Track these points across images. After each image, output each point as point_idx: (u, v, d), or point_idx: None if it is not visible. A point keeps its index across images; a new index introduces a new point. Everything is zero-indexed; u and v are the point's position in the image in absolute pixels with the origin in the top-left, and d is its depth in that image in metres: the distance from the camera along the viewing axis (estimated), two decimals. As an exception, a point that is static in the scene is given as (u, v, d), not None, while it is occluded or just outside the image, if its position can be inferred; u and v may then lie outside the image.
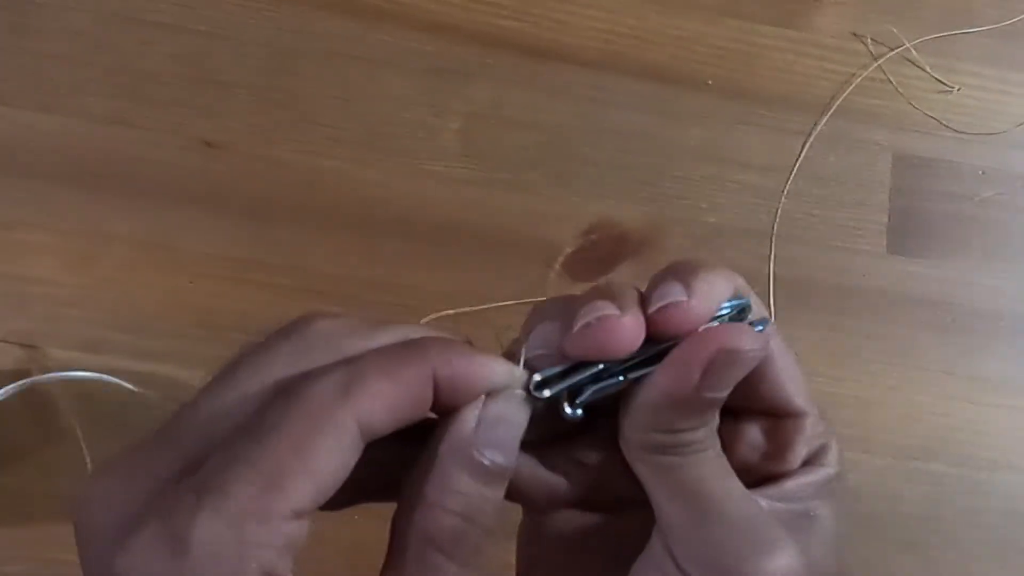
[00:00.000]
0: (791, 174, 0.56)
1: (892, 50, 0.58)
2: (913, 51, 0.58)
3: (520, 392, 0.27)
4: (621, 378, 0.26)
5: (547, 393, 0.26)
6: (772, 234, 0.55)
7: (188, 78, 0.54)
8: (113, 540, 0.23)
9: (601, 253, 0.54)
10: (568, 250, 0.54)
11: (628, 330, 0.25)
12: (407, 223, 0.53)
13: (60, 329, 0.50)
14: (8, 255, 0.51)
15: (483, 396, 0.27)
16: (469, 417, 0.26)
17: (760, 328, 0.27)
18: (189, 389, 0.49)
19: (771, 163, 0.56)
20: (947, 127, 0.58)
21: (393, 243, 0.53)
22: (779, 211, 0.55)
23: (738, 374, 0.26)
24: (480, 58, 0.56)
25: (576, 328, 0.26)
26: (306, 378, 0.25)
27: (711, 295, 0.26)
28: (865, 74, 0.58)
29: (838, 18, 0.59)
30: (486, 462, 0.26)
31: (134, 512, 0.23)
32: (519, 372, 0.27)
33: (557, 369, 0.26)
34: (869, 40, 0.58)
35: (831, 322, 0.54)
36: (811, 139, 0.57)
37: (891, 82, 0.58)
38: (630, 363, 0.26)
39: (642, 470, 0.27)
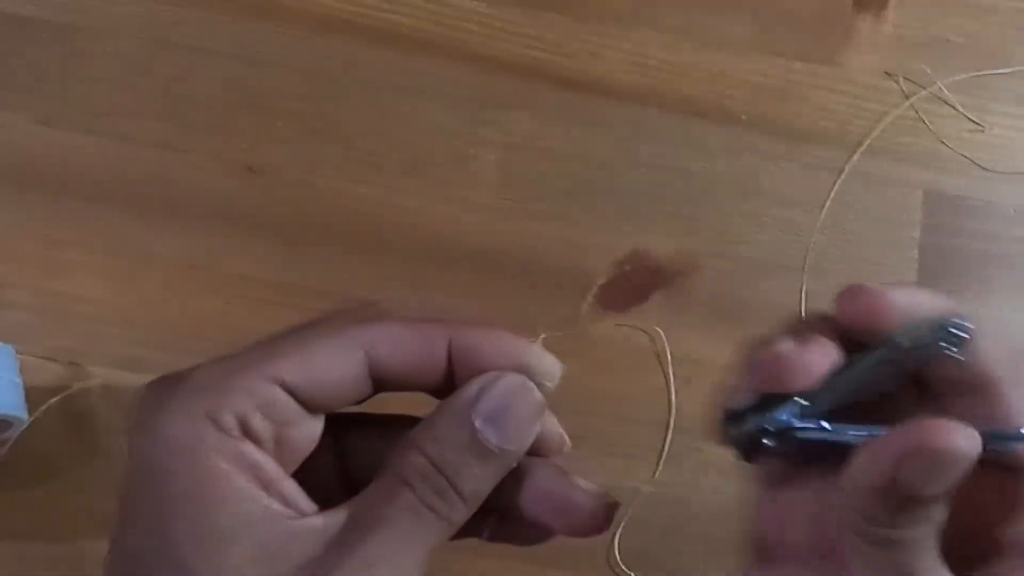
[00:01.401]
0: (823, 210, 0.56)
1: (924, 89, 0.59)
2: (944, 90, 0.59)
3: (532, 383, 0.27)
4: (825, 424, 0.25)
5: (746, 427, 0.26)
6: (804, 269, 0.55)
7: (231, 104, 0.55)
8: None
9: (634, 284, 0.54)
10: (601, 280, 0.54)
11: (799, 354, 0.25)
12: (443, 251, 0.54)
13: (101, 347, 0.51)
14: (53, 273, 0.52)
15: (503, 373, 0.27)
16: (477, 382, 0.27)
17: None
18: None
19: (803, 199, 0.57)
20: (978, 165, 0.58)
21: (428, 270, 0.53)
22: (810, 246, 0.56)
23: (950, 476, 0.23)
24: (519, 90, 0.57)
25: (757, 357, 0.26)
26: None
27: (910, 294, 0.26)
28: (897, 112, 0.58)
29: (871, 56, 0.59)
30: (480, 432, 0.26)
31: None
32: (548, 361, 0.28)
33: (749, 403, 0.26)
34: (901, 79, 0.59)
35: (861, 357, 0.54)
36: (843, 176, 0.57)
37: (923, 120, 0.58)
38: (833, 409, 0.25)
39: (848, 544, 0.25)
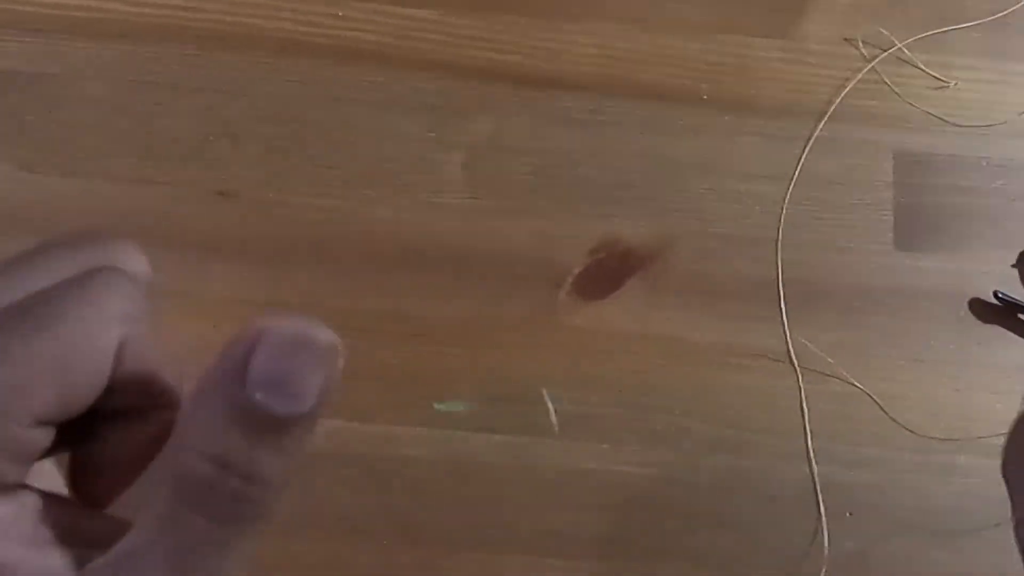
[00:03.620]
0: (792, 180, 0.57)
1: (885, 51, 0.59)
2: (906, 50, 0.59)
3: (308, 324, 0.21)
4: None
5: None
6: (778, 240, 0.55)
7: (200, 133, 0.57)
8: None
9: (609, 271, 0.55)
10: (576, 270, 0.55)
11: None
12: (417, 255, 0.55)
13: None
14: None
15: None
16: (239, 344, 0.21)
17: None
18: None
19: (772, 171, 0.57)
20: (947, 122, 0.58)
21: (405, 275, 0.54)
22: (782, 217, 0.56)
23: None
24: (478, 92, 0.58)
25: None
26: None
27: None
28: (859, 76, 0.59)
29: (827, 24, 0.60)
30: (262, 405, 0.21)
31: None
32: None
33: None
34: (860, 43, 0.59)
35: (845, 322, 0.54)
36: (810, 144, 0.57)
37: (886, 82, 0.58)
38: None
39: None
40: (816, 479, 0.51)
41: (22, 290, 0.23)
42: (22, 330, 0.22)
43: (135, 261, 0.25)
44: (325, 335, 0.22)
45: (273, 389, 0.21)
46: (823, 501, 0.51)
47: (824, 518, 0.51)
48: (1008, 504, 0.36)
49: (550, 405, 0.52)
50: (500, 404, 0.52)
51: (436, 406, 0.52)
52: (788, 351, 0.54)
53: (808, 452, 0.52)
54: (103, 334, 0.23)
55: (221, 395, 0.21)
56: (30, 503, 0.22)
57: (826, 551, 0.50)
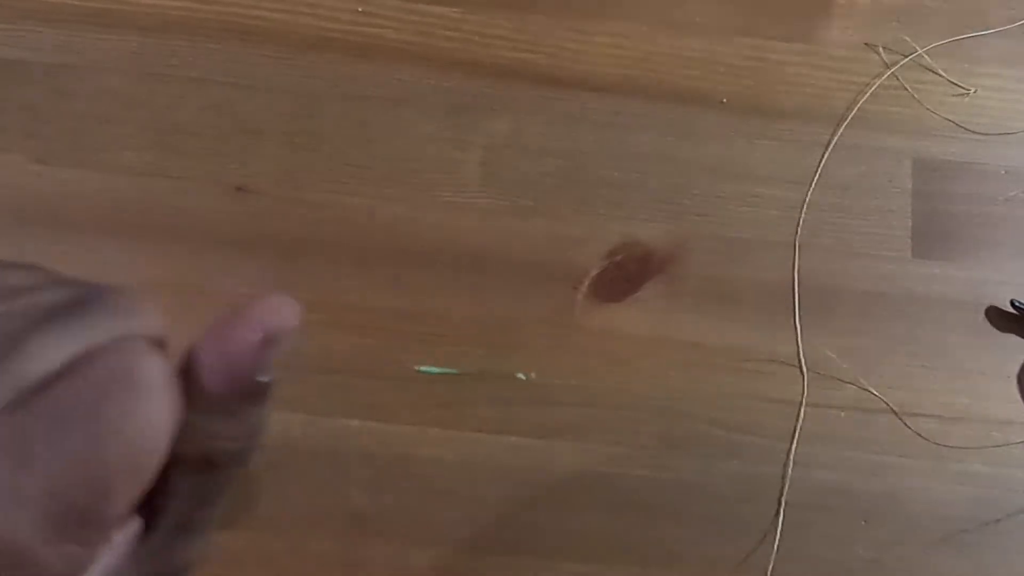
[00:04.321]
0: (811, 185, 0.56)
1: (905, 57, 0.59)
2: (926, 57, 0.59)
3: None
4: None
5: None
6: (795, 245, 0.55)
7: (218, 128, 0.56)
8: None
9: (627, 273, 0.55)
10: (594, 272, 0.55)
11: None
12: (435, 254, 0.54)
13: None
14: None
15: None
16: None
17: None
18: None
19: (792, 176, 0.57)
20: (966, 129, 0.58)
21: (422, 274, 0.54)
22: (800, 222, 0.56)
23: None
24: (497, 90, 0.58)
25: None
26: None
27: None
28: (880, 82, 0.58)
29: (849, 30, 0.59)
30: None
31: None
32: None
33: None
34: (881, 49, 0.59)
35: (860, 328, 0.54)
36: (830, 149, 0.57)
37: (907, 89, 0.58)
38: None
39: None
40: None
41: (50, 360, 0.23)
42: (94, 433, 0.23)
43: (150, 319, 0.26)
44: (298, 313, 0.25)
45: (272, 371, 0.25)
46: (837, 507, 0.51)
47: (778, 513, 0.51)
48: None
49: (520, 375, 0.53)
50: (517, 406, 0.52)
51: (419, 369, 0.52)
52: (799, 357, 0.53)
53: (790, 458, 0.52)
54: (161, 419, 0.24)
55: (233, 386, 0.24)
56: None
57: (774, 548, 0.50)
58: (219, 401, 0.25)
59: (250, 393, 0.25)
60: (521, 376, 0.53)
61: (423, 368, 0.52)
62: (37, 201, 0.55)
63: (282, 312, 0.25)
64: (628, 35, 0.59)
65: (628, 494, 0.51)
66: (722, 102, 0.58)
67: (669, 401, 0.53)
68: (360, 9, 0.59)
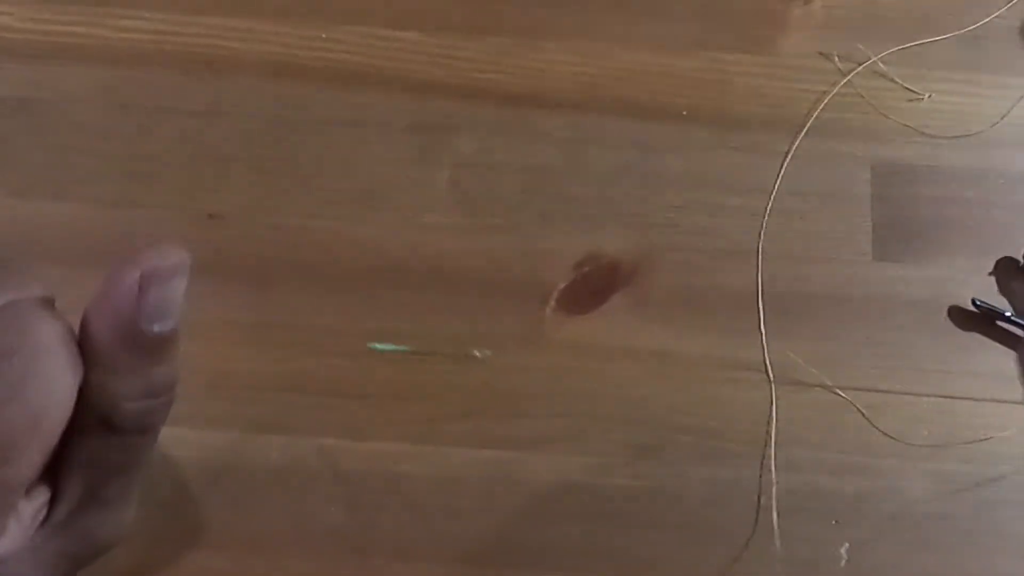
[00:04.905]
0: (772, 193, 0.58)
1: (860, 65, 0.60)
2: (880, 64, 0.60)
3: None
4: None
5: None
6: (759, 252, 0.56)
7: (188, 156, 0.57)
8: None
9: (594, 285, 0.56)
10: (562, 285, 0.55)
11: None
12: (404, 273, 0.55)
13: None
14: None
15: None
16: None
17: None
18: (202, 448, 0.52)
19: (753, 184, 0.58)
20: (922, 133, 0.59)
21: (392, 293, 0.55)
22: (763, 229, 0.57)
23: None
24: (462, 111, 0.59)
25: None
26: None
27: None
28: (836, 90, 0.60)
29: (803, 40, 0.61)
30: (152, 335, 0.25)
31: None
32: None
33: None
34: (836, 57, 0.60)
35: (826, 332, 0.55)
36: (789, 157, 0.58)
37: (862, 96, 0.60)
38: None
39: None
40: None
41: None
42: None
43: (34, 282, 0.26)
44: (180, 256, 0.26)
45: (160, 319, 0.25)
46: (810, 509, 0.52)
47: (776, 517, 0.52)
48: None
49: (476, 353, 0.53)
50: (490, 420, 0.53)
51: (371, 345, 0.53)
52: (765, 362, 0.54)
53: (768, 462, 0.53)
54: (60, 380, 0.24)
55: (120, 337, 0.24)
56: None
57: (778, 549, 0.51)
58: (116, 358, 0.24)
59: (146, 347, 0.25)
60: (476, 354, 0.54)
61: (375, 345, 0.53)
62: (14, 234, 0.56)
63: (163, 256, 0.24)
64: (587, 52, 0.60)
65: (603, 503, 0.52)
66: (682, 114, 0.59)
67: (640, 410, 0.54)
68: (324, 36, 0.60)
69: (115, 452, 0.26)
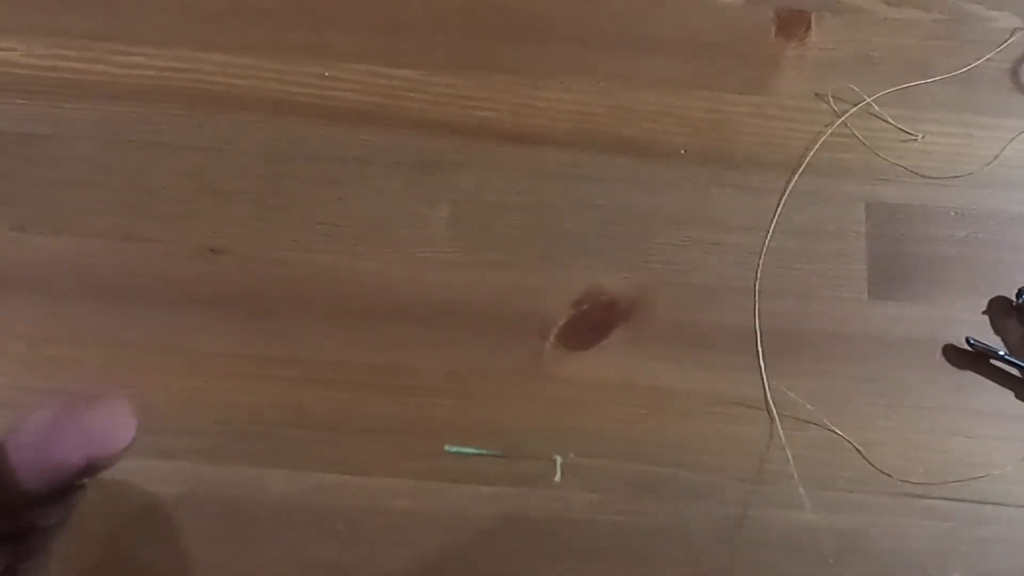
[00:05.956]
0: (769, 231, 0.58)
1: (854, 106, 0.61)
2: (875, 105, 0.61)
3: None
4: None
5: None
6: (755, 290, 0.57)
7: (190, 191, 0.58)
8: None
9: (593, 322, 0.56)
10: (561, 321, 0.56)
11: None
12: (405, 309, 0.56)
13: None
14: (36, 371, 0.54)
15: None
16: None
17: None
18: (202, 483, 0.52)
19: (749, 223, 0.59)
20: (916, 174, 0.60)
21: (393, 329, 0.55)
22: (760, 267, 0.57)
23: None
24: (462, 148, 0.59)
25: None
26: None
27: None
28: (831, 131, 0.60)
29: (799, 80, 0.62)
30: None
31: None
32: None
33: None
34: (831, 98, 0.61)
35: (822, 370, 0.56)
36: (785, 196, 0.59)
37: (857, 136, 0.60)
38: None
39: None
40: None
41: None
42: None
43: None
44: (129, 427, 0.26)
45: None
46: (806, 546, 0.52)
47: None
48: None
49: (558, 459, 0.53)
50: (489, 456, 0.53)
51: (448, 448, 0.53)
52: (765, 399, 0.55)
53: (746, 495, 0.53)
54: None
55: (44, 483, 0.24)
56: None
57: (810, 595, 0.51)
58: (31, 494, 0.25)
59: (65, 490, 0.25)
60: (558, 458, 0.54)
61: (452, 448, 0.53)
62: (15, 268, 0.56)
63: (114, 429, 0.24)
64: (586, 91, 0.61)
65: (601, 539, 0.52)
66: (680, 153, 0.60)
67: (638, 446, 0.54)
68: (326, 74, 0.61)
69: (24, 550, 0.27)
